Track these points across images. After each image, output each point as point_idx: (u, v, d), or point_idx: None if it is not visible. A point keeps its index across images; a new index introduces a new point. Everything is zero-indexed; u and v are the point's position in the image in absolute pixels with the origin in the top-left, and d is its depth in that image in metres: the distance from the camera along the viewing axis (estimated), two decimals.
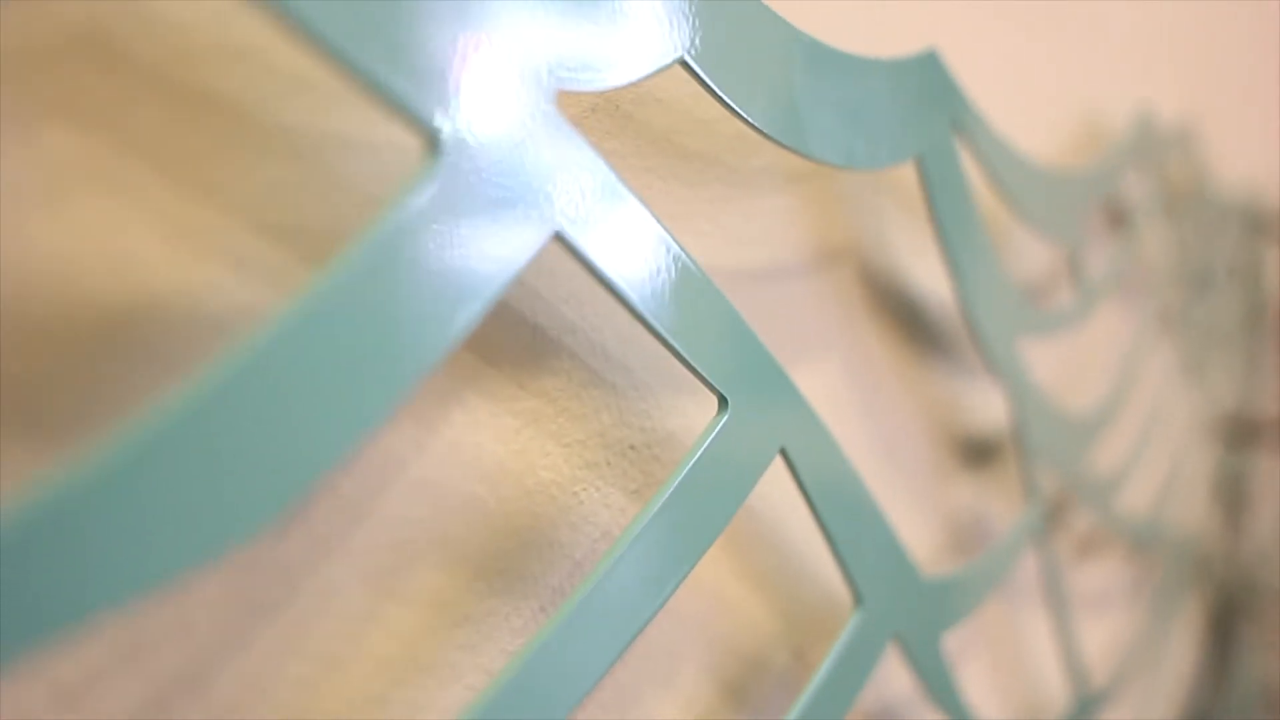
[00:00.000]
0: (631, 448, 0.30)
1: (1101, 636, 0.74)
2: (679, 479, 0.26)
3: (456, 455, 0.25)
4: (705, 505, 0.28)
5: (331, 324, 0.17)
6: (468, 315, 0.19)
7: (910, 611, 0.39)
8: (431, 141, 0.19)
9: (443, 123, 0.19)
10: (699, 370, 0.27)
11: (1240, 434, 1.10)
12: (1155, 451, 0.81)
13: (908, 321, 0.46)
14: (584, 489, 0.28)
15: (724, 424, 0.28)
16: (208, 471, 0.16)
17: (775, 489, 0.32)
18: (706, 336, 0.27)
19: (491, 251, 0.20)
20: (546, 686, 0.22)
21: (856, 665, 0.36)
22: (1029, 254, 0.58)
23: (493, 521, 0.26)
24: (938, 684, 0.42)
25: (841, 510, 0.34)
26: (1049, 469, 0.54)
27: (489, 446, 0.25)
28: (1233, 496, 1.10)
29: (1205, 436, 0.99)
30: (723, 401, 0.28)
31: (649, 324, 0.25)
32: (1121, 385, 0.67)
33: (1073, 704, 0.61)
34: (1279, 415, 1.16)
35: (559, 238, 0.22)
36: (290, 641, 0.21)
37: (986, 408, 0.52)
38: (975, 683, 0.53)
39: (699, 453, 0.27)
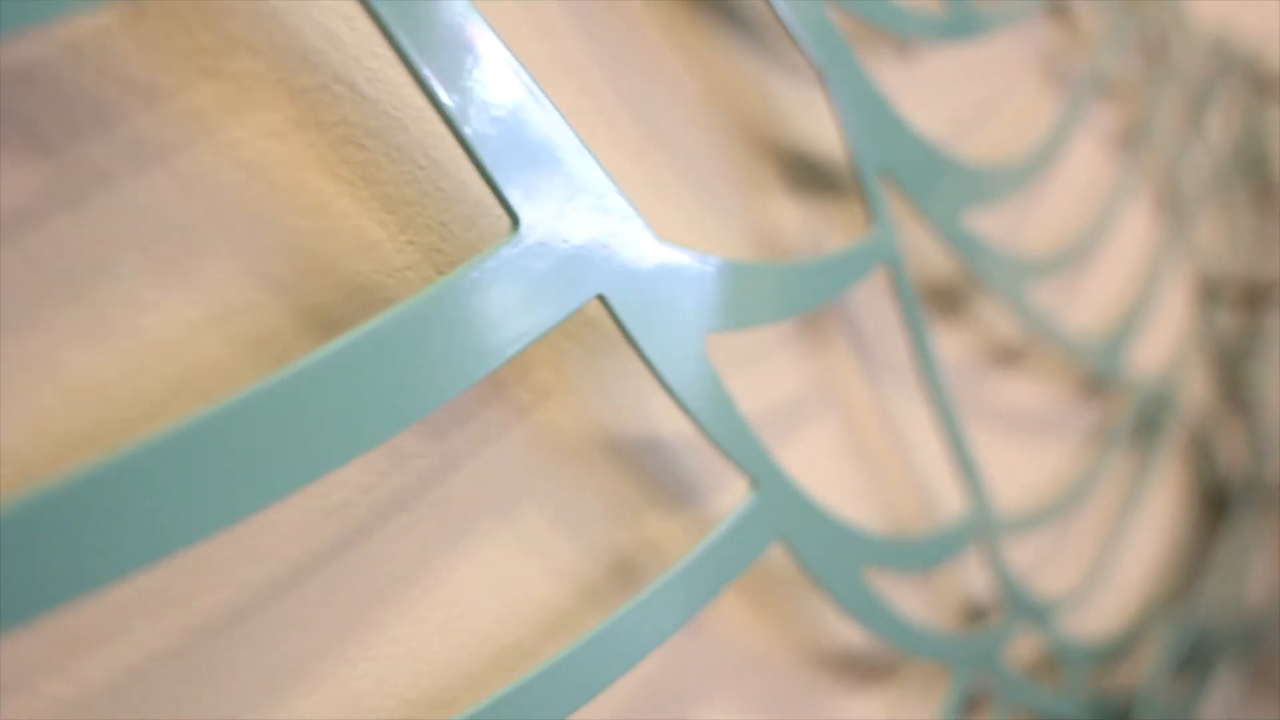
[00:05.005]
0: None
1: (1046, 466, 0.63)
2: None
3: None
4: None
5: None
6: None
7: (628, 276, 0.30)
8: None
9: None
10: None
11: (1241, 300, 0.97)
12: (1110, 275, 0.71)
13: None
14: None
15: None
16: None
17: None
18: None
19: None
20: None
21: (517, 304, 0.27)
22: None
23: None
24: (693, 394, 0.33)
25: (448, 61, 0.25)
26: (911, 205, 0.44)
27: None
28: (1235, 373, 0.97)
29: (1192, 293, 0.87)
30: None
31: None
32: (1041, 156, 0.57)
33: (969, 519, 0.51)
34: None
35: None
36: None
37: (817, 119, 0.42)
38: (811, 452, 0.43)
39: None
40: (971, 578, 0.55)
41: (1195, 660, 0.88)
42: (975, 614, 0.56)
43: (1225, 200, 0.95)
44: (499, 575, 0.30)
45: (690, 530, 0.37)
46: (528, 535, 0.31)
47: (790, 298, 0.37)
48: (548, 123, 0.27)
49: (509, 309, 0.26)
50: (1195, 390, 0.87)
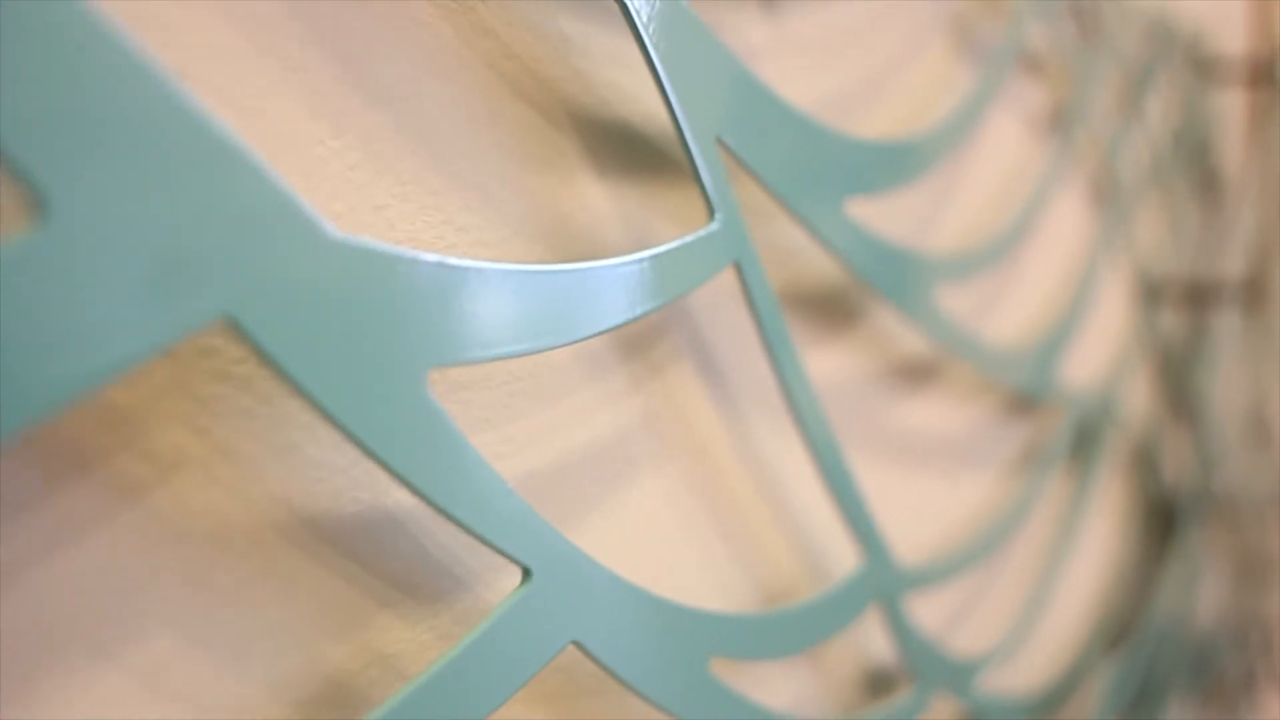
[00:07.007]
0: None
1: (965, 500, 0.54)
2: None
3: None
4: None
5: None
6: None
7: (284, 287, 0.20)
8: None
9: None
10: None
11: (1185, 300, 0.90)
12: (1038, 276, 0.62)
13: None
14: None
15: None
16: None
17: None
18: None
19: None
20: None
21: (50, 331, 0.17)
22: None
23: None
24: (408, 451, 0.23)
25: None
26: (766, 188, 0.34)
27: None
28: (1179, 378, 0.90)
29: (1132, 294, 0.79)
30: None
31: None
32: (949, 135, 0.48)
33: (862, 577, 0.41)
34: (1242, 277, 0.97)
35: None
36: None
37: (639, 77, 0.33)
38: (643, 511, 0.33)
39: None
40: (874, 643, 0.46)
41: (1144, 697, 0.80)
42: (880, 685, 0.47)
43: (1166, 192, 0.87)
44: None
45: (451, 636, 0.27)
46: (151, 671, 0.21)
47: (573, 313, 0.27)
48: (124, 58, 0.17)
49: (30, 336, 0.16)
50: (1137, 400, 0.79)
